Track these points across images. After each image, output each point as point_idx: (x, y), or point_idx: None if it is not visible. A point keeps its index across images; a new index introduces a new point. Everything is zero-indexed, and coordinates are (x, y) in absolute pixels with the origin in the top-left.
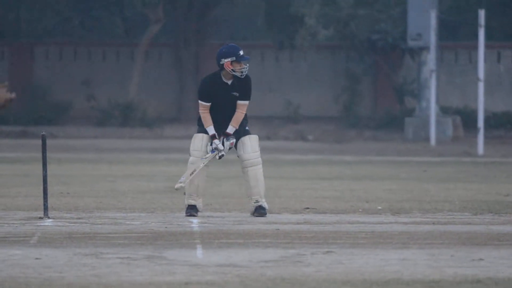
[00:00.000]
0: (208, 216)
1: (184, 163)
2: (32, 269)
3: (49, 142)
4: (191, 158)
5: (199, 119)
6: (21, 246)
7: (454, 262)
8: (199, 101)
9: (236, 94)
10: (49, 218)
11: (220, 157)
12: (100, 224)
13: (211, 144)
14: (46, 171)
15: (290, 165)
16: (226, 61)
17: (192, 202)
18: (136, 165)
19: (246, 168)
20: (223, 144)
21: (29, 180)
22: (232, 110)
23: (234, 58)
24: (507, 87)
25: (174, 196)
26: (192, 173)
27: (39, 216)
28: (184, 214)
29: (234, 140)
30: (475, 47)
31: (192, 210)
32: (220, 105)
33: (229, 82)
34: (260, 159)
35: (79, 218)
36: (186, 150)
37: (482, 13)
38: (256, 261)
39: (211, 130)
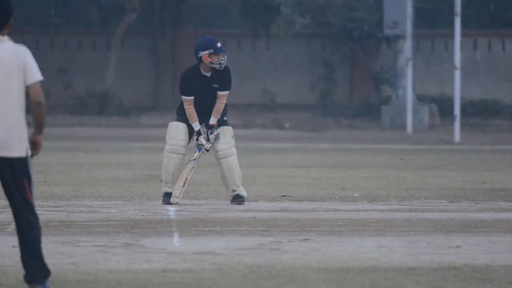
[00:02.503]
0: (184, 204)
1: (160, 151)
2: (9, 257)
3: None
4: (167, 147)
5: (179, 108)
6: None
7: (431, 249)
8: (182, 96)
9: (217, 86)
10: None
11: (207, 151)
12: (77, 212)
13: (196, 140)
14: None
15: (267, 153)
16: (204, 53)
17: (169, 190)
18: (113, 153)
19: (219, 159)
20: (208, 138)
21: None
22: (213, 101)
23: (211, 50)
24: (484, 75)
25: (151, 184)
26: (185, 183)
27: None
28: (161, 202)
29: (218, 131)
30: (452, 35)
31: (168, 198)
32: (201, 97)
33: (208, 74)
34: (234, 149)
35: (56, 206)
36: (163, 139)
37: (458, 1)
38: (233, 248)
39: (197, 126)
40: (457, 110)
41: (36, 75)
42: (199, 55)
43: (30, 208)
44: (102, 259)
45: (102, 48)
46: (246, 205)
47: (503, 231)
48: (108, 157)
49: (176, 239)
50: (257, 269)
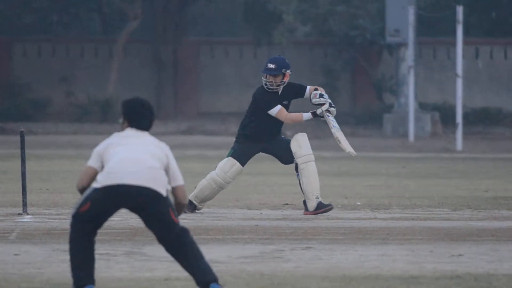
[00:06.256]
0: (186, 213)
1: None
2: (11, 265)
3: (27, 138)
4: (215, 176)
5: (239, 136)
6: (0, 242)
7: (433, 257)
8: (274, 110)
9: (285, 102)
10: (28, 214)
11: (327, 109)
12: None
13: (322, 112)
14: (24, 168)
15: (269, 161)
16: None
17: (195, 203)
18: None
19: (305, 163)
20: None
21: (8, 176)
22: (276, 120)
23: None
24: (486, 83)
25: None
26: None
27: (18, 212)
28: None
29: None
30: (453, 43)
31: (191, 206)
32: (270, 116)
33: (279, 91)
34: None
35: (58, 214)
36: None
37: (460, 10)
38: (236, 257)
39: (307, 115)
40: (459, 118)
41: (181, 180)
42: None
43: (180, 227)
44: (105, 267)
45: (104, 55)
46: (248, 213)
47: (505, 240)
48: None
49: None
50: (260, 277)
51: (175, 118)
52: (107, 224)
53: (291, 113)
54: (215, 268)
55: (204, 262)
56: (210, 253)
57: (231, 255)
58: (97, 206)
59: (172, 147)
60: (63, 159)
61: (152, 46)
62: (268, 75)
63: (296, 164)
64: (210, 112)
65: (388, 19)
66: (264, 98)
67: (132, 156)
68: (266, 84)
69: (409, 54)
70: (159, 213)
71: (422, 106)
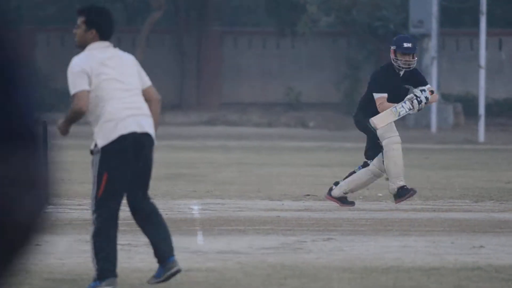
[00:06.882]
0: (208, 203)
1: (182, 149)
2: (32, 255)
3: (50, 128)
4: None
5: (363, 116)
6: None
7: (454, 249)
8: (377, 94)
9: (408, 87)
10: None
11: (410, 98)
12: None
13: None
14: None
15: (290, 152)
16: (392, 48)
17: (402, 183)
18: None
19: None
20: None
21: None
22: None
23: (395, 47)
24: (509, 74)
25: (175, 184)
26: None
27: None
28: (397, 199)
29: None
30: (477, 34)
31: (406, 191)
32: (390, 97)
33: (401, 73)
34: None
35: (80, 205)
36: (187, 137)
37: (483, 1)
38: (257, 248)
39: (397, 105)
40: (481, 110)
41: (148, 80)
42: (391, 48)
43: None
44: (126, 258)
45: (127, 45)
46: (270, 204)
47: None
48: None
49: (199, 238)
50: (281, 268)
51: (197, 108)
52: (127, 214)
53: (385, 104)
54: (236, 259)
55: (170, 239)
56: (231, 244)
57: (252, 246)
58: (115, 167)
59: (194, 137)
60: (84, 150)
61: (175, 37)
62: (405, 55)
63: (365, 162)
64: (232, 102)
65: (412, 10)
66: (381, 78)
67: (131, 100)
68: (399, 65)
69: (432, 45)
70: (151, 161)
71: (445, 97)
